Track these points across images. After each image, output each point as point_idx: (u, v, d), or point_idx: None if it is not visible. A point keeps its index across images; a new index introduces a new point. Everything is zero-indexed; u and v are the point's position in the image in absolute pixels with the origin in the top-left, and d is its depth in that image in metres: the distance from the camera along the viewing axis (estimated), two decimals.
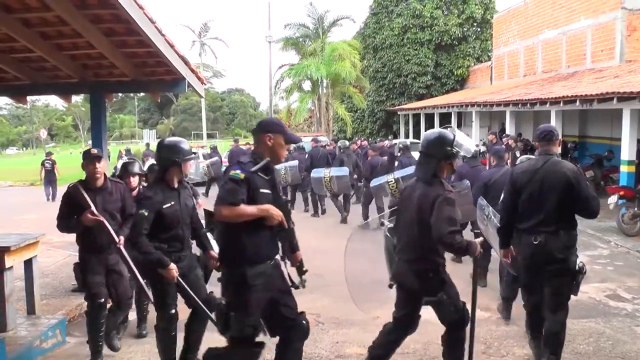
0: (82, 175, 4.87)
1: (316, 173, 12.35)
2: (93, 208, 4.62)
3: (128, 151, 23.06)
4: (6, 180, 25.44)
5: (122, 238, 4.68)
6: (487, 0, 28.93)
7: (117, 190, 4.93)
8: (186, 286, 4.18)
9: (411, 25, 28.45)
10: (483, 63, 27.62)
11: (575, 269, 4.23)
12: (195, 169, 16.76)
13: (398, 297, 4.09)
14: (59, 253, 9.26)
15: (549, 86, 16.25)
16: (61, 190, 20.03)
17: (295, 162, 13.51)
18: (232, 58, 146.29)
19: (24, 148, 78.43)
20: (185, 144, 4.38)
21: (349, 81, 26.84)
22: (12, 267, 5.24)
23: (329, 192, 12.26)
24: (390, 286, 4.10)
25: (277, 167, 13.58)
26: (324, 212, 13.34)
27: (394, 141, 19.26)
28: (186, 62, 6.29)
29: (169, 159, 4.21)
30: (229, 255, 3.57)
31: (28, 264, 5.65)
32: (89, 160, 4.75)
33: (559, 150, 4.50)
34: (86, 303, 4.90)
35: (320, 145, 14.53)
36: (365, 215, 11.59)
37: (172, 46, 5.79)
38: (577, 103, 12.21)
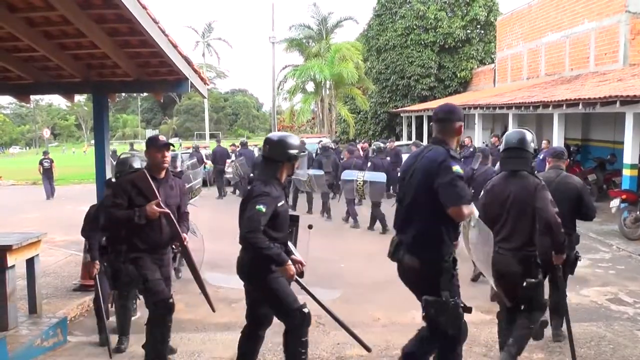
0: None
1: (297, 175, 13.06)
2: (160, 199, 4.22)
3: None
4: (9, 180, 25.48)
5: (186, 236, 4.44)
6: (491, 2, 28.89)
7: (177, 184, 4.60)
8: (304, 284, 3.96)
9: (415, 27, 28.44)
10: (486, 65, 27.60)
11: (575, 259, 4.98)
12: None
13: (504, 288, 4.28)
14: (61, 252, 9.28)
15: (552, 89, 16.22)
16: (59, 188, 20.17)
17: None
18: (235, 59, 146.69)
19: (27, 147, 78.58)
20: (296, 139, 4.14)
21: (351, 81, 26.81)
22: (14, 265, 5.25)
23: (310, 190, 13.07)
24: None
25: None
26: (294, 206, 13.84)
27: (396, 143, 19.32)
28: (189, 62, 6.30)
29: (286, 154, 3.92)
30: (442, 249, 3.46)
31: (30, 263, 5.66)
32: (157, 148, 4.35)
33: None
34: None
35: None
36: (352, 214, 12.01)
37: (175, 46, 5.81)
38: (580, 106, 12.19)
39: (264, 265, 3.80)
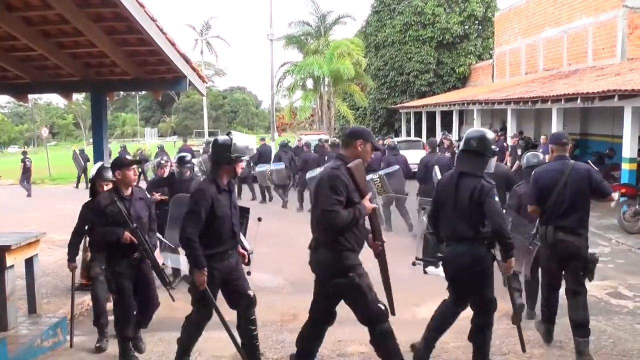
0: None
1: (260, 168, 14.71)
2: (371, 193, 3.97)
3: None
4: (8, 179, 25.42)
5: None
6: None
7: None
8: None
9: (413, 23, 28.40)
10: (485, 61, 27.58)
11: None
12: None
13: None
14: (60, 252, 9.24)
15: (550, 84, 16.21)
16: (58, 187, 20.08)
17: None
18: (233, 56, 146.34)
19: (26, 146, 78.44)
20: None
21: (348, 77, 26.72)
22: (13, 265, 5.25)
23: (270, 183, 14.53)
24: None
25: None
26: (270, 199, 15.19)
27: (396, 139, 19.35)
28: (187, 60, 6.29)
29: (492, 149, 4.24)
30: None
31: (29, 262, 5.66)
32: (374, 146, 4.04)
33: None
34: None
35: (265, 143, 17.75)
36: (300, 201, 13.67)
37: (173, 44, 5.80)
38: (579, 101, 12.19)
39: (488, 257, 4.16)
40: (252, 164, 15.57)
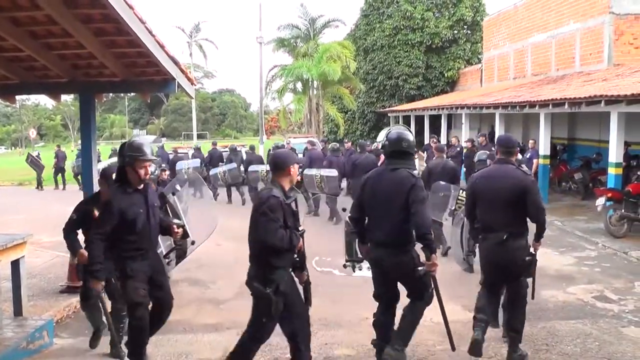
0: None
1: (213, 170, 16.48)
2: None
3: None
4: None
5: None
6: (477, 3, 29.00)
7: None
8: None
9: (402, 27, 28.47)
10: (473, 65, 27.71)
11: None
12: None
13: None
14: (48, 254, 9.20)
15: (538, 89, 16.33)
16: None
17: (197, 160, 17.70)
18: (223, 59, 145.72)
19: (13, 147, 77.75)
20: None
21: (334, 79, 26.71)
22: None
23: (224, 183, 15.98)
24: None
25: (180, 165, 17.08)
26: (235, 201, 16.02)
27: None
28: (176, 63, 6.28)
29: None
30: None
31: (15, 264, 5.60)
32: None
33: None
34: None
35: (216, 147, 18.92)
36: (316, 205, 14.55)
37: (162, 46, 5.78)
38: (566, 106, 12.28)
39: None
40: (204, 167, 17.29)
